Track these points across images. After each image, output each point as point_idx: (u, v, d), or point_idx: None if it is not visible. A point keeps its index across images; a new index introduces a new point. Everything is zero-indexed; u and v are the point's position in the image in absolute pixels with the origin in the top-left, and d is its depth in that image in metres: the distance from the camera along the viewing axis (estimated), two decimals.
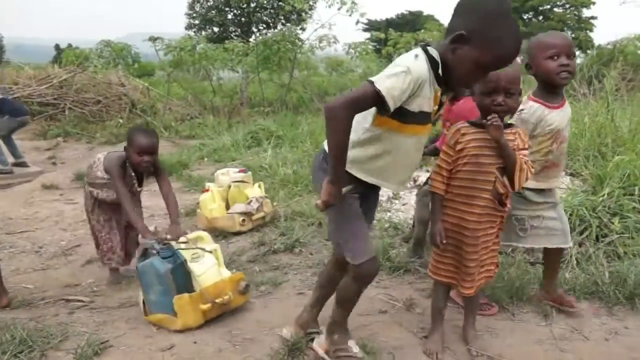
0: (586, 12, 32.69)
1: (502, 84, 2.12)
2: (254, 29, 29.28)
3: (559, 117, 2.46)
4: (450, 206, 2.28)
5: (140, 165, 3.03)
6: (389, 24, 32.88)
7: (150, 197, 4.35)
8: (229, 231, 4.15)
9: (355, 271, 2.07)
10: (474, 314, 2.50)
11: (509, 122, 2.28)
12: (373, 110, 1.86)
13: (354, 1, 11.19)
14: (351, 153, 1.87)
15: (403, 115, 1.84)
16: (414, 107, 1.84)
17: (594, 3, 32.33)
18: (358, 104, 1.78)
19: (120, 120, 10.77)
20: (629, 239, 3.33)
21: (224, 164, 6.65)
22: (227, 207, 4.35)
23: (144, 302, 2.73)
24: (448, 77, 1.86)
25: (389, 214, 4.51)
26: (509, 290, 2.89)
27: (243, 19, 29.48)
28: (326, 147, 1.99)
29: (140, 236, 2.93)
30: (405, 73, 1.75)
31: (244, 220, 4.18)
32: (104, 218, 3.27)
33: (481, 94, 2.17)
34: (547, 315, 2.73)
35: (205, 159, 7.50)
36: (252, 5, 28.63)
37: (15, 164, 6.93)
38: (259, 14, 29.41)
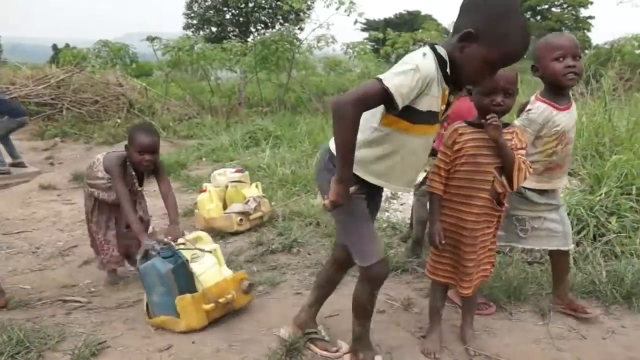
0: (584, 12, 32.79)
1: (501, 84, 2.12)
2: (252, 29, 29.32)
3: (566, 118, 2.46)
4: (449, 206, 2.28)
5: (141, 164, 2.99)
6: (387, 23, 32.89)
7: (147, 197, 4.34)
8: (227, 231, 4.15)
9: (365, 274, 2.06)
10: (472, 314, 2.50)
11: (506, 121, 2.29)
12: (381, 108, 1.84)
13: (352, 1, 11.18)
14: (358, 154, 1.84)
15: (411, 115, 1.82)
16: (423, 106, 1.81)
17: (591, 3, 32.40)
18: (366, 102, 1.75)
19: (118, 121, 10.74)
20: (626, 238, 3.33)
21: (222, 164, 6.64)
22: (225, 207, 4.35)
23: (147, 305, 2.71)
24: (456, 76, 1.84)
25: (387, 213, 4.51)
26: (506, 290, 2.89)
27: (241, 18, 29.49)
28: (331, 147, 1.98)
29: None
30: (414, 71, 1.73)
31: (241, 220, 4.18)
32: (104, 219, 3.25)
33: (480, 94, 2.17)
34: (544, 314, 2.73)
35: (204, 159, 7.48)
36: (250, 5, 28.65)
37: (13, 165, 6.91)
38: (257, 14, 29.43)
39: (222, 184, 4.49)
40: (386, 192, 4.83)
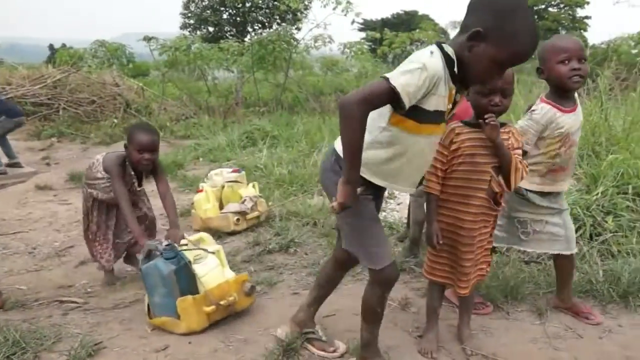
0: (580, 12, 32.86)
1: (499, 84, 2.12)
2: (249, 29, 29.32)
3: (570, 120, 2.45)
4: (446, 206, 2.28)
5: (140, 163, 2.96)
6: (384, 23, 32.91)
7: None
8: (224, 231, 4.14)
9: (376, 277, 2.03)
10: (469, 313, 2.50)
11: (502, 121, 2.29)
12: (389, 108, 1.81)
13: (349, 1, 11.18)
14: (365, 155, 1.80)
15: (418, 115, 1.79)
16: (430, 105, 1.78)
17: (588, 3, 32.48)
18: (373, 101, 1.72)
19: (115, 121, 10.73)
20: (622, 237, 3.34)
21: (219, 164, 6.64)
22: (221, 207, 4.34)
23: (148, 306, 2.69)
24: (463, 75, 1.81)
25: (384, 213, 4.51)
26: (503, 289, 2.89)
27: (238, 18, 29.48)
28: (337, 148, 1.96)
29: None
30: (421, 70, 1.70)
31: (238, 219, 4.18)
32: (103, 219, 3.23)
33: (478, 94, 2.17)
34: (541, 314, 2.74)
35: (201, 159, 7.48)
36: (247, 5, 28.62)
37: (9, 165, 6.89)
38: (254, 14, 29.42)
39: (219, 184, 4.49)
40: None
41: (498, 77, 1.86)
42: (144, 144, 2.93)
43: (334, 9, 11.25)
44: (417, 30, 15.44)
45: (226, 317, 2.68)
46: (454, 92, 1.85)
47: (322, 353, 2.36)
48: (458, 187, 2.24)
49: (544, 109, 2.44)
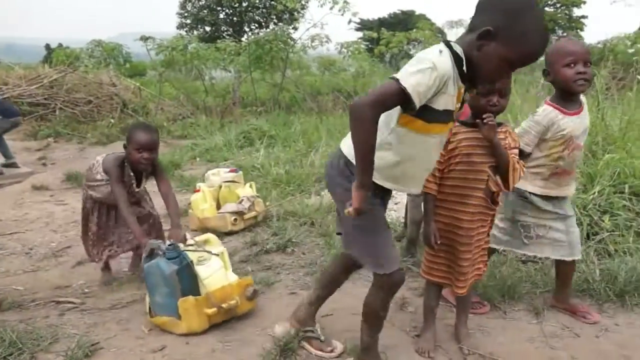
0: (577, 12, 32.87)
1: (497, 84, 2.12)
2: (246, 29, 29.27)
3: (573, 123, 2.45)
4: (443, 206, 2.28)
5: (140, 163, 2.93)
6: (381, 23, 32.88)
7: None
8: (221, 231, 4.13)
9: (383, 281, 2.01)
10: (466, 313, 2.50)
11: (499, 121, 2.29)
12: (397, 108, 1.79)
13: (346, 0, 11.19)
14: (374, 157, 1.77)
15: (428, 114, 1.77)
16: (439, 105, 1.76)
17: (584, 2, 32.51)
18: (384, 103, 1.70)
19: (112, 121, 10.70)
20: (619, 236, 3.35)
21: (216, 164, 6.63)
22: (219, 207, 4.34)
23: (149, 305, 2.68)
24: (472, 74, 1.79)
25: None
26: (500, 289, 2.90)
27: (235, 18, 29.44)
28: (345, 151, 1.94)
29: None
30: (431, 69, 1.68)
31: (235, 219, 4.18)
32: (103, 220, 3.22)
33: (476, 94, 2.17)
34: (538, 313, 2.75)
35: (198, 159, 7.47)
36: (244, 4, 28.60)
37: (6, 165, 6.87)
38: (251, 14, 29.38)
39: (216, 184, 4.49)
40: None
41: (507, 77, 1.85)
42: (143, 143, 2.90)
43: (331, 8, 11.27)
44: (414, 30, 15.40)
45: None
46: (462, 91, 1.84)
47: (319, 353, 2.36)
48: (455, 187, 2.24)
49: (545, 111, 2.46)
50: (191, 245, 2.76)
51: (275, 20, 27.58)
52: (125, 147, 2.98)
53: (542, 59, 2.46)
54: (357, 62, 13.49)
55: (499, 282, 2.94)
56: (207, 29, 29.62)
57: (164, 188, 3.09)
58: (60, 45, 24.46)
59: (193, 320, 2.53)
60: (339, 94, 11.30)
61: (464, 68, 1.76)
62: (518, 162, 2.22)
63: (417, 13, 37.64)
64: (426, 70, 1.68)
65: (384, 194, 2.03)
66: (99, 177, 3.06)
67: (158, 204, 3.35)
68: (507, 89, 2.19)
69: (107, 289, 3.20)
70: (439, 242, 2.26)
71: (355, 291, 2.85)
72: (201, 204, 4.29)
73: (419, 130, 1.82)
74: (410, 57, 18.57)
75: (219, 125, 9.98)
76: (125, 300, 2.99)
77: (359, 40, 15.31)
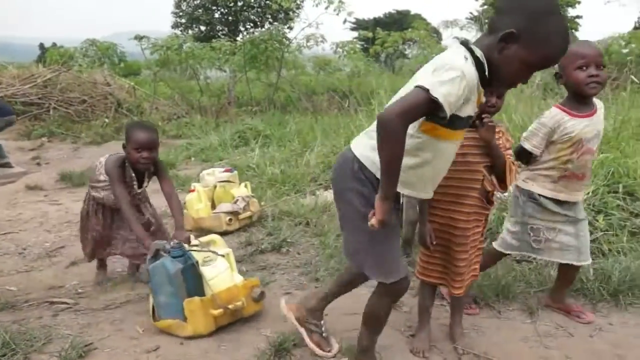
0: (571, 12, 32.99)
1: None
2: (241, 28, 29.25)
3: (582, 126, 2.42)
4: (439, 206, 2.28)
5: (139, 162, 2.89)
6: (376, 22, 32.93)
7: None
8: (216, 231, 4.09)
9: (388, 289, 1.99)
10: (461, 313, 2.51)
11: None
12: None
13: (341, 0, 11.17)
14: None
15: (453, 122, 1.72)
16: (464, 112, 1.73)
17: (579, 2, 32.64)
18: (413, 113, 1.66)
19: (106, 120, 10.67)
20: (613, 236, 3.36)
21: (211, 164, 6.62)
22: (213, 207, 4.33)
23: (153, 308, 2.65)
24: (490, 77, 1.75)
25: None
26: (495, 288, 2.90)
27: (230, 17, 29.39)
28: (357, 154, 1.90)
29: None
30: (461, 78, 1.63)
31: (230, 219, 4.17)
32: (108, 222, 3.18)
33: None
34: (532, 312, 2.75)
35: (193, 159, 7.46)
36: (239, 4, 28.57)
37: None
38: (246, 13, 29.36)
39: (211, 184, 4.48)
40: None
41: (525, 80, 1.80)
42: (142, 142, 2.86)
43: (326, 8, 11.24)
44: (410, 30, 15.41)
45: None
46: (482, 95, 1.82)
47: (317, 350, 2.34)
48: (451, 187, 2.24)
49: (552, 113, 2.46)
50: (196, 245, 2.73)
51: (271, 20, 27.57)
52: (124, 147, 2.95)
53: None
54: (352, 61, 13.46)
55: (493, 282, 2.94)
56: (202, 28, 29.58)
57: (166, 188, 3.03)
58: (54, 44, 24.36)
59: (199, 322, 2.50)
60: (334, 94, 11.28)
61: (486, 73, 1.73)
62: (513, 163, 2.23)
63: (412, 13, 37.73)
64: (456, 79, 1.63)
65: (396, 200, 1.98)
66: (102, 177, 3.02)
67: (158, 205, 3.33)
68: (504, 90, 2.20)
69: (100, 290, 3.18)
70: (434, 242, 2.26)
71: (354, 291, 2.83)
72: (196, 203, 4.28)
73: (441, 138, 1.79)
74: (405, 56, 18.55)
75: (214, 125, 9.96)
76: (119, 300, 2.98)
77: (354, 40, 15.30)
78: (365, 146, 1.89)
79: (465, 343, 2.42)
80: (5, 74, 11.76)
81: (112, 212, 3.17)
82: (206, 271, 2.59)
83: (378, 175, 1.81)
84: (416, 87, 1.65)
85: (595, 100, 2.50)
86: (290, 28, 16.25)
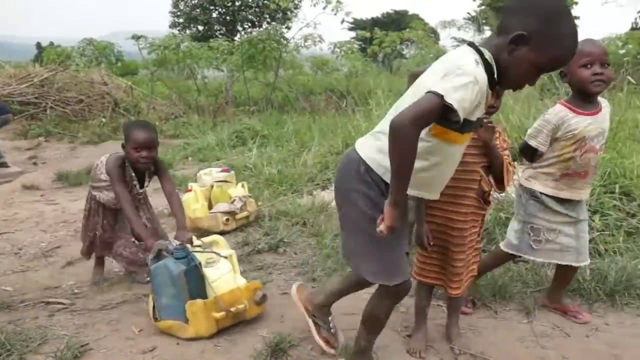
0: None
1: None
2: (239, 28, 29.20)
3: (586, 123, 2.42)
4: (436, 207, 2.27)
5: (139, 162, 2.87)
6: (374, 22, 32.92)
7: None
8: (213, 231, 4.09)
9: (391, 290, 1.97)
10: (457, 313, 2.51)
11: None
12: None
13: (339, 0, 11.18)
14: None
15: (463, 126, 1.70)
16: (474, 116, 1.72)
17: (576, 3, 32.68)
18: (426, 119, 1.64)
19: (103, 120, 10.65)
20: (609, 236, 3.36)
21: (209, 164, 6.61)
22: (210, 207, 4.32)
23: (153, 308, 2.64)
24: (500, 79, 1.73)
25: None
26: (491, 288, 2.90)
27: (228, 17, 29.33)
28: (362, 154, 1.89)
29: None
30: (473, 83, 1.61)
31: (227, 219, 4.16)
32: (110, 223, 3.17)
33: None
34: (529, 312, 2.75)
35: (190, 159, 7.45)
36: (237, 3, 28.53)
37: None
38: (244, 13, 29.29)
39: (208, 184, 4.47)
40: None
41: (533, 82, 1.77)
42: (141, 141, 2.85)
43: (324, 8, 11.25)
44: (407, 30, 15.42)
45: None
46: (489, 97, 1.81)
47: (324, 346, 2.34)
48: (448, 187, 2.22)
49: (556, 109, 2.46)
50: (198, 246, 2.72)
51: (268, 20, 27.53)
52: (123, 146, 2.93)
53: None
54: (350, 61, 13.47)
55: (490, 282, 2.94)
56: (200, 28, 29.51)
57: (167, 187, 3.02)
58: (51, 43, 24.29)
59: (201, 324, 2.48)
60: (332, 94, 11.28)
61: (495, 76, 1.71)
62: (510, 164, 2.23)
63: (410, 13, 37.74)
64: (469, 84, 1.61)
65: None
66: (103, 177, 3.01)
67: (157, 204, 3.31)
68: (502, 91, 2.19)
69: (97, 290, 3.17)
70: (432, 243, 2.26)
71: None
72: (193, 203, 4.27)
73: (451, 141, 1.78)
74: (402, 57, 18.55)
75: (212, 125, 9.96)
76: (115, 301, 2.97)
77: (352, 40, 15.30)
78: (371, 148, 1.88)
79: (461, 343, 2.42)
80: (2, 73, 11.75)
81: (113, 213, 3.17)
82: (209, 273, 2.57)
83: (385, 178, 1.81)
84: (429, 92, 1.62)
85: (600, 99, 2.51)
86: (288, 28, 16.29)
